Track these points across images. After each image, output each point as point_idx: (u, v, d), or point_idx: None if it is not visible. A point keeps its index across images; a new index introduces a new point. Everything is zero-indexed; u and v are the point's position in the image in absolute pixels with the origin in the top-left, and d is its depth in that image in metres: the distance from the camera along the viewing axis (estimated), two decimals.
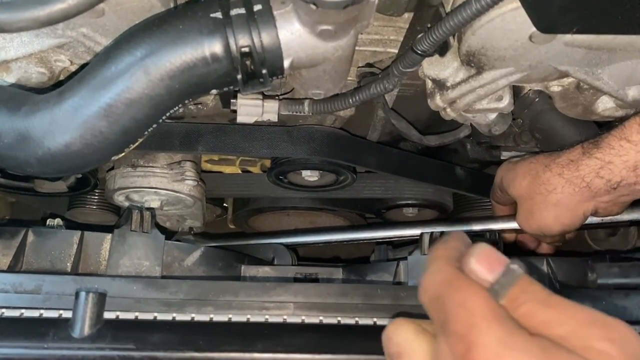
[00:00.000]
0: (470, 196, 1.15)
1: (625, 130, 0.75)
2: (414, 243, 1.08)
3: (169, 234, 1.12)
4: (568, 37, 0.65)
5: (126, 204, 1.05)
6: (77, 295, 0.60)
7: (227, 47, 0.57)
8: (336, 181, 1.03)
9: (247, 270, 0.93)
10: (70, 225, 1.04)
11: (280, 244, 1.08)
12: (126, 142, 0.61)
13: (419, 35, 0.69)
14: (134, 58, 0.57)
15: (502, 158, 1.13)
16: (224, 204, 1.28)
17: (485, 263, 0.43)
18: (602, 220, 0.93)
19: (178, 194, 1.01)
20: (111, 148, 0.60)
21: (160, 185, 1.00)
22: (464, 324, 0.40)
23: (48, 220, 1.03)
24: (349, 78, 0.86)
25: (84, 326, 0.59)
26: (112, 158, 0.62)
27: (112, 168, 1.03)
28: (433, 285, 0.45)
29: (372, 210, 1.20)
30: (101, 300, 0.61)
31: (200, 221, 1.12)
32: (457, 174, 1.09)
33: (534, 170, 0.86)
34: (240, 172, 1.18)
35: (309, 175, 0.99)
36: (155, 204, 1.02)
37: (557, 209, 0.82)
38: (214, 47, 0.57)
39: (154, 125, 0.61)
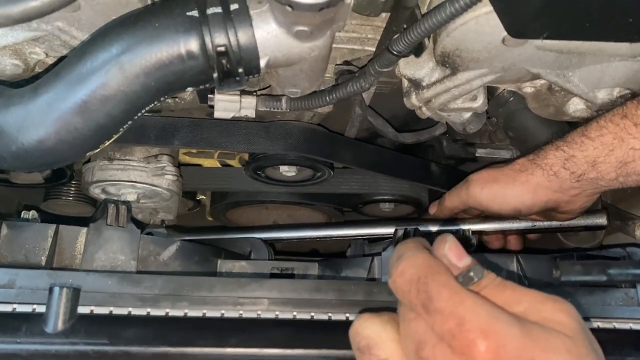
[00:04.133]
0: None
1: (587, 127, 0.79)
2: (390, 238, 1.10)
3: (142, 227, 1.11)
4: (539, 41, 0.67)
5: (102, 196, 1.05)
6: (50, 290, 0.60)
7: (203, 45, 0.57)
8: (314, 176, 1.04)
9: (223, 264, 0.94)
10: (46, 218, 1.03)
11: (257, 238, 1.09)
12: (101, 139, 0.61)
13: (395, 36, 0.70)
14: (109, 54, 0.57)
15: (477, 155, 1.16)
16: (197, 197, 1.27)
17: (455, 251, 0.49)
18: (560, 225, 0.99)
19: (156, 188, 1.01)
20: (86, 144, 0.60)
21: (140, 179, 0.99)
22: (451, 301, 0.44)
23: (23, 212, 1.02)
24: (326, 75, 0.87)
25: (57, 321, 0.59)
26: (87, 154, 0.62)
27: (89, 160, 1.02)
28: (412, 269, 0.48)
29: (349, 204, 1.21)
30: (75, 295, 0.61)
31: (173, 214, 1.12)
32: (432, 171, 1.11)
33: (499, 165, 0.90)
34: (218, 165, 1.18)
35: (287, 171, 0.99)
36: (131, 197, 1.01)
37: (523, 187, 0.86)
38: (189, 45, 0.57)
39: (130, 122, 0.61)
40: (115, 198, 1.04)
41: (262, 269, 0.94)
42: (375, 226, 1.11)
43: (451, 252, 0.50)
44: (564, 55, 0.72)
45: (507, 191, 0.88)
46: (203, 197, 1.32)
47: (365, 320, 0.51)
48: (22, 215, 1.02)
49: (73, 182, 1.21)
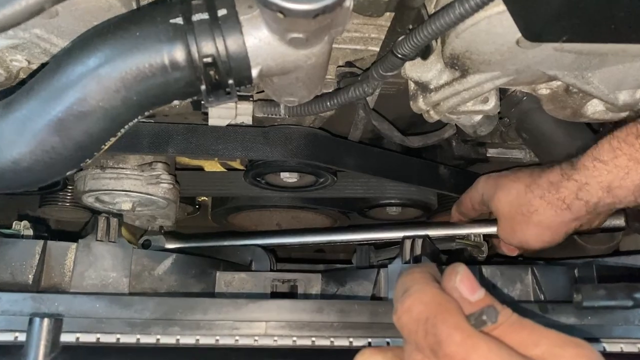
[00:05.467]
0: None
1: (598, 150, 0.74)
2: (396, 244, 1.06)
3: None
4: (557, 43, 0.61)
5: (96, 204, 1.01)
6: (30, 321, 0.56)
7: (188, 55, 0.52)
8: (316, 182, 0.99)
9: (222, 276, 0.89)
10: (39, 231, 1.00)
11: (259, 245, 1.04)
12: (81, 157, 0.56)
13: (400, 38, 0.65)
14: (86, 68, 0.52)
15: (488, 155, 1.10)
16: (196, 203, 1.23)
17: (467, 284, 0.45)
18: None
19: (151, 197, 0.96)
20: (65, 164, 0.55)
21: (134, 188, 0.95)
22: (463, 346, 0.40)
23: (14, 223, 0.99)
24: (328, 77, 0.82)
25: (37, 355, 0.55)
26: (67, 173, 0.57)
27: (82, 169, 0.98)
28: (419, 306, 0.44)
29: (355, 208, 1.17)
30: (57, 325, 0.57)
31: (171, 221, 1.07)
32: (441, 174, 1.06)
33: (515, 190, 0.85)
34: (219, 166, 1.14)
35: (288, 177, 0.95)
36: (126, 206, 0.97)
37: (538, 228, 0.82)
38: (174, 55, 0.52)
39: (112, 139, 0.56)
40: (109, 206, 1.00)
41: (263, 281, 0.90)
42: (381, 231, 1.06)
43: (463, 284, 0.46)
44: (583, 56, 0.66)
45: (526, 237, 0.85)
46: (205, 198, 1.27)
47: (368, 358, 0.47)
48: (13, 226, 0.98)
49: (69, 187, 1.17)
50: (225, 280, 0.90)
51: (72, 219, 1.28)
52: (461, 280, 0.46)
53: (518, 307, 0.68)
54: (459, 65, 0.70)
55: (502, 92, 0.87)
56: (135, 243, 1.12)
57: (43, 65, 0.72)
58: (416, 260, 0.78)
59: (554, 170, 0.79)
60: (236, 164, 1.13)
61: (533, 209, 0.81)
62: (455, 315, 0.43)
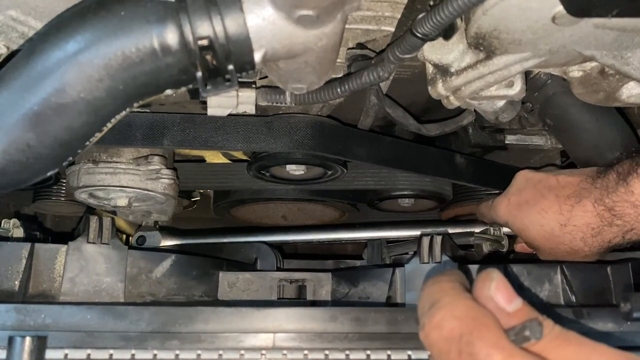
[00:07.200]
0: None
1: (636, 196, 0.69)
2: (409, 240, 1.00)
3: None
4: (601, 18, 0.54)
5: (90, 200, 0.94)
6: (10, 340, 0.50)
7: (181, 37, 0.46)
8: (324, 174, 0.93)
9: (225, 277, 0.84)
10: (31, 229, 0.94)
11: (264, 242, 0.98)
12: (63, 156, 0.50)
13: (420, 16, 0.58)
14: (64, 54, 0.45)
15: (506, 142, 1.03)
16: (193, 196, 1.17)
17: (504, 292, 0.41)
18: None
19: (150, 192, 0.90)
20: (44, 163, 0.49)
21: (132, 184, 0.88)
22: None
23: (3, 222, 0.93)
24: (337, 60, 0.75)
25: None
26: (48, 174, 0.51)
27: (73, 163, 0.91)
28: (451, 322, 0.40)
29: (365, 200, 1.10)
30: (41, 343, 0.51)
31: (167, 216, 1.01)
32: (457, 163, 0.99)
33: (549, 227, 0.79)
34: (222, 157, 1.07)
35: (294, 170, 0.88)
36: (122, 202, 0.91)
37: (586, 258, 0.79)
38: (164, 37, 0.45)
39: (98, 134, 0.50)
40: (104, 202, 0.94)
41: (269, 281, 0.84)
42: (392, 229, 1.00)
43: (499, 292, 0.41)
44: (626, 34, 0.59)
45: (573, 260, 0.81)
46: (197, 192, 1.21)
47: None
48: (2, 225, 0.93)
49: (63, 180, 1.11)
50: (228, 281, 0.84)
51: (69, 214, 1.22)
52: (497, 288, 0.41)
53: (552, 313, 0.62)
54: (484, 46, 0.63)
55: (525, 75, 0.80)
56: (132, 235, 1.06)
57: None
58: (436, 260, 0.72)
59: (586, 208, 0.74)
60: (240, 155, 1.07)
61: (577, 247, 0.77)
62: (493, 331, 0.38)
